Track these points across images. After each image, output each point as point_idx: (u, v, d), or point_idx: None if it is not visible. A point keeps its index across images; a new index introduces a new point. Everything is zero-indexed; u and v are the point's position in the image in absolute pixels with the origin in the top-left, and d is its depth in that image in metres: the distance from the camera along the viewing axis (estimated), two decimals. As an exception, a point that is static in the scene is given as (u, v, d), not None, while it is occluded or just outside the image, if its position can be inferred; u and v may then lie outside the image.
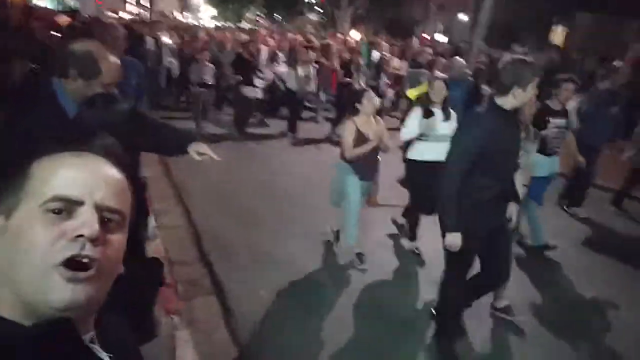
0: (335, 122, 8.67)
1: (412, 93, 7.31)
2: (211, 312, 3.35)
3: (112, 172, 0.75)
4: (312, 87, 8.73)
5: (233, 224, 4.76)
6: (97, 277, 0.67)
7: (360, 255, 4.20)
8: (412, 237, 4.56)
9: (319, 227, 4.65)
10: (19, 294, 0.65)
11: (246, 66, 8.34)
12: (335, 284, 3.92)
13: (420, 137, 4.19)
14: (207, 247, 4.25)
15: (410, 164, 4.40)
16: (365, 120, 4.01)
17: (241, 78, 8.17)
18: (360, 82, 8.67)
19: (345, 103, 8.53)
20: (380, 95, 9.12)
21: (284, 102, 9.23)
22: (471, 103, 5.88)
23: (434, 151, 3.95)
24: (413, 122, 4.20)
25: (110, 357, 0.73)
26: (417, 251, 4.48)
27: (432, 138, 4.13)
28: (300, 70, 8.40)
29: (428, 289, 3.79)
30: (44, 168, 0.71)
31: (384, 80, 9.85)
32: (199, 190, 5.56)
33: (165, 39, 9.87)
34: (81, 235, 0.66)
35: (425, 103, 4.25)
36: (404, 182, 4.84)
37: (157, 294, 2.32)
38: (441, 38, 15.72)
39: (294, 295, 3.68)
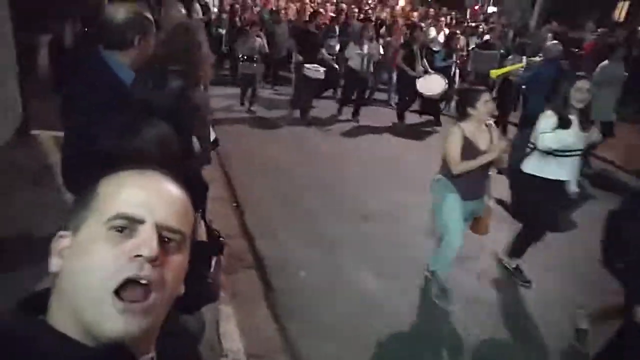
0: (401, 109, 8.03)
1: (496, 73, 7.03)
2: (253, 286, 3.44)
3: (175, 192, 0.74)
4: (371, 67, 7.84)
5: (278, 202, 4.79)
6: (153, 306, 0.66)
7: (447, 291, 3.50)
8: (518, 254, 3.87)
9: (361, 210, 4.60)
10: (77, 316, 0.65)
11: (311, 42, 7.43)
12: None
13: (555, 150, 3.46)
14: (250, 221, 4.32)
15: (534, 182, 3.55)
16: (477, 128, 3.25)
17: (301, 58, 7.29)
18: (423, 64, 7.77)
19: (402, 91, 8.02)
20: (453, 80, 8.34)
21: (346, 84, 8.12)
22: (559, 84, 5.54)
23: (567, 168, 3.44)
24: (549, 135, 3.41)
25: None
26: (519, 269, 3.87)
27: (565, 152, 3.44)
28: (366, 48, 7.49)
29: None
30: (110, 185, 0.71)
31: (454, 61, 8.44)
32: (245, 164, 5.61)
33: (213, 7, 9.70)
34: (140, 255, 0.65)
35: (560, 109, 3.45)
36: (517, 202, 3.93)
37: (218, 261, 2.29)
38: (492, 9, 14.76)
39: (334, 277, 3.69)
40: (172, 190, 0.74)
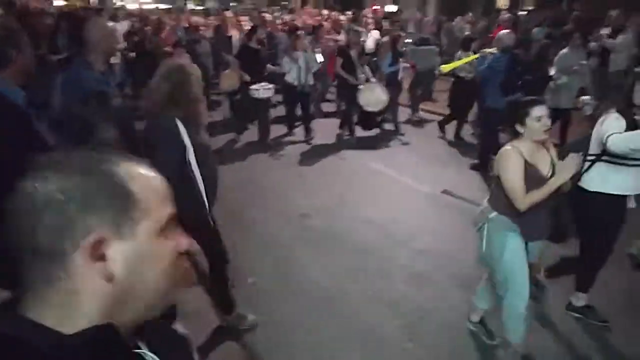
0: (343, 122, 7.35)
1: (447, 67, 6.58)
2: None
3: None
4: (310, 79, 7.12)
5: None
6: None
7: None
8: (586, 287, 3.24)
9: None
10: (136, 315, 0.70)
11: (255, 59, 6.82)
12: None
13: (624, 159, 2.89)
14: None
15: (599, 199, 2.97)
16: (535, 148, 2.61)
17: (248, 78, 6.66)
18: (364, 71, 7.04)
19: (344, 100, 7.32)
20: (401, 87, 7.60)
21: (287, 101, 7.46)
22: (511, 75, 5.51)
23: (635, 179, 2.92)
24: (624, 136, 2.80)
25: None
26: (591, 307, 3.23)
27: (636, 159, 2.88)
28: (302, 59, 6.89)
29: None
30: (144, 186, 0.70)
31: (402, 65, 7.50)
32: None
33: (119, 26, 8.64)
34: (184, 252, 0.74)
35: (624, 107, 2.94)
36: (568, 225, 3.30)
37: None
38: (391, 8, 15.26)
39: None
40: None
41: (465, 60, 6.62)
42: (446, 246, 4.05)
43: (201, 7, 18.62)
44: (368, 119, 7.27)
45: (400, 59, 7.47)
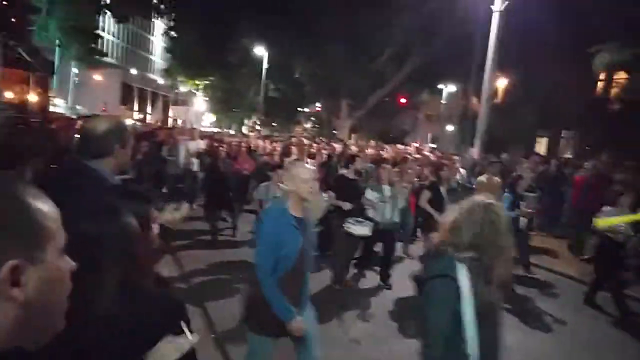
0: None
1: (604, 222, 5.29)
2: None
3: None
4: (397, 215, 6.23)
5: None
6: None
7: None
8: None
9: None
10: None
11: (352, 191, 5.96)
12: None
13: None
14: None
15: None
16: None
17: (349, 205, 5.79)
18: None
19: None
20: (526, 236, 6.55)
21: (368, 240, 6.23)
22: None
23: None
24: None
25: None
26: None
27: None
28: (387, 192, 6.08)
29: None
30: (50, 215, 0.76)
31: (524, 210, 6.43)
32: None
33: (193, 145, 9.90)
34: None
35: None
36: None
37: None
38: (431, 145, 17.08)
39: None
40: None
41: (628, 218, 5.52)
42: None
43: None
44: None
45: (521, 204, 6.35)
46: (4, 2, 6.76)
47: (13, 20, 8.38)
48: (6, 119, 8.60)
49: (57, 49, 25.08)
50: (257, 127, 28.18)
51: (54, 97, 22.24)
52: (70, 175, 2.20)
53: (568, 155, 16.10)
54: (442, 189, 6.25)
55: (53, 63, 13.96)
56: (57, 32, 24.42)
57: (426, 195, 6.25)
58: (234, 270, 5.99)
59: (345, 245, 5.90)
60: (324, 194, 5.95)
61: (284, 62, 23.52)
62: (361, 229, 5.73)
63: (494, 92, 13.15)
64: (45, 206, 0.72)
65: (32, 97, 10.32)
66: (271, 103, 28.55)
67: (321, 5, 17.68)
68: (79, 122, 10.51)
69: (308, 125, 38.23)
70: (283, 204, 2.81)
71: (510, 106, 16.85)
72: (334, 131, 23.47)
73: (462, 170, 8.57)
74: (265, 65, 25.15)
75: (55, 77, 18.45)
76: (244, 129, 31.65)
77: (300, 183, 2.71)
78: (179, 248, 6.60)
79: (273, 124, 33.72)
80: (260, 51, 25.04)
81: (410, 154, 11.45)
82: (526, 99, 17.93)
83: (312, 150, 10.28)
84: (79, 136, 2.25)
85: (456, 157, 9.65)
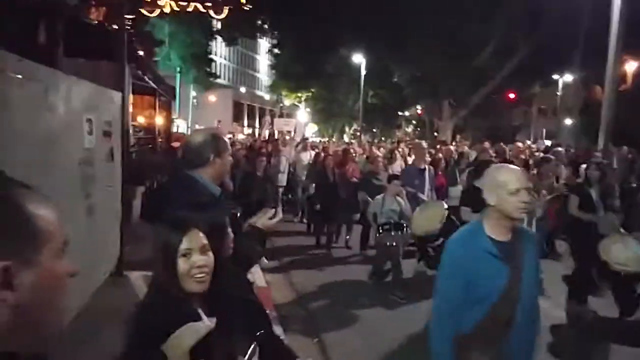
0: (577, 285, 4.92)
1: None
2: None
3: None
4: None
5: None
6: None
7: None
8: None
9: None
10: None
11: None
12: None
13: None
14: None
15: None
16: None
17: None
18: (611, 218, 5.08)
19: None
20: None
21: None
22: None
23: None
24: None
25: None
26: None
27: None
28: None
29: None
30: (47, 217, 0.73)
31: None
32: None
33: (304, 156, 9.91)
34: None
35: None
36: None
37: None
38: (545, 143, 15.43)
39: None
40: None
41: None
42: None
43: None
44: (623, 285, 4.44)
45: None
46: (133, 38, 7.79)
47: (141, 53, 9.58)
48: (137, 140, 9.88)
49: (177, 75, 28.18)
50: (357, 134, 28.41)
51: (176, 118, 24.91)
52: (175, 184, 2.44)
53: None
54: (593, 192, 5.23)
55: (174, 88, 15.68)
56: (178, 60, 27.48)
57: (574, 200, 5.30)
58: (349, 291, 5.77)
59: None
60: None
61: (382, 67, 23.46)
62: None
63: (623, 78, 11.56)
64: (42, 209, 0.71)
65: (159, 120, 11.68)
66: (371, 109, 28.62)
67: (414, 3, 17.27)
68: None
69: (409, 129, 37.56)
70: (477, 225, 2.02)
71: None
72: (435, 133, 22.73)
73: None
74: (363, 71, 25.34)
75: (177, 100, 20.69)
76: (345, 137, 32.19)
77: (505, 195, 1.91)
78: (290, 266, 6.56)
79: (373, 129, 33.74)
80: (357, 58, 25.30)
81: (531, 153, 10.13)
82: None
83: (438, 155, 8.91)
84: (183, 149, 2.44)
85: (597, 154, 7.90)
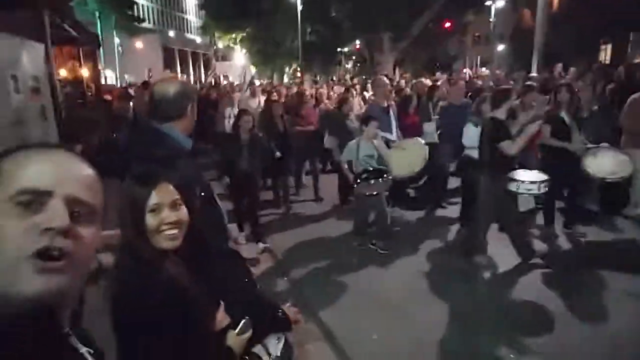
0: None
1: None
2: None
3: (83, 167, 0.77)
4: None
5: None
6: (69, 269, 0.68)
7: None
8: None
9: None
10: None
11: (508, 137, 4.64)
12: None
13: None
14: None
15: None
16: None
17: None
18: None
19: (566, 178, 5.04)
20: None
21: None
22: None
23: None
24: None
25: (89, 352, 0.77)
26: None
27: None
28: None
29: None
30: (13, 163, 0.71)
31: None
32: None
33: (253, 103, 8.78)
34: (51, 228, 0.67)
35: None
36: None
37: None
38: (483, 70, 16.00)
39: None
40: (79, 165, 0.76)
41: None
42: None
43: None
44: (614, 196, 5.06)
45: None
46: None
47: (55, -3, 8.58)
48: (65, 95, 9.13)
49: (98, 21, 25.70)
50: (298, 74, 27.79)
51: (103, 69, 23.07)
52: (140, 139, 2.20)
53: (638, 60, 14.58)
54: (566, 117, 5.00)
55: (97, 36, 14.32)
56: (95, 4, 24.94)
57: (546, 129, 5.01)
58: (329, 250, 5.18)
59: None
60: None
61: (319, 2, 22.61)
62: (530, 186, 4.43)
63: (550, 2, 11.90)
64: (16, 156, 0.69)
65: (85, 72, 10.78)
66: (309, 47, 27.86)
67: None
68: (131, 91, 10.89)
69: (349, 66, 37.19)
70: None
71: (568, 13, 15.30)
72: (377, 66, 22.72)
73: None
74: (299, 7, 24.33)
75: (101, 49, 19.03)
76: (285, 78, 31.39)
77: None
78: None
79: (313, 68, 33.08)
80: (292, -7, 24.19)
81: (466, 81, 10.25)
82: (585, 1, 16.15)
83: (406, 90, 8.16)
84: (149, 100, 2.20)
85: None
